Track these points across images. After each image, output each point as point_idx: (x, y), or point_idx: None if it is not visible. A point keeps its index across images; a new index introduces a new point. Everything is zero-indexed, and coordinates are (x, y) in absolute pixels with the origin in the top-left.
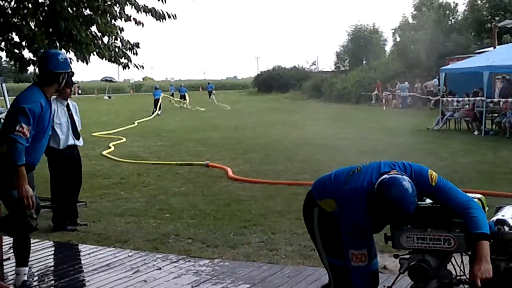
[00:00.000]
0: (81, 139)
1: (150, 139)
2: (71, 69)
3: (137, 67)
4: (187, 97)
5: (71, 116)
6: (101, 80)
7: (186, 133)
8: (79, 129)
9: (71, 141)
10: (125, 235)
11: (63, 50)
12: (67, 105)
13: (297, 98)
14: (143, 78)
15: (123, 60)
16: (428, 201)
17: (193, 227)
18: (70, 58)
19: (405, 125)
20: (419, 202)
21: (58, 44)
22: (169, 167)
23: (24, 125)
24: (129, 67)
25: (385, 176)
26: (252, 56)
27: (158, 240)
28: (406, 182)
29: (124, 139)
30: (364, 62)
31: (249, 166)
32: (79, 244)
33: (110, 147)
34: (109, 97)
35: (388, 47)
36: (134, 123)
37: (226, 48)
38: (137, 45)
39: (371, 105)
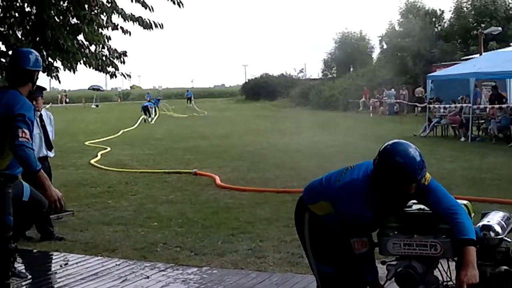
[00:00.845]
0: (53, 150)
1: (138, 147)
2: (42, 68)
3: (124, 76)
4: (157, 110)
5: (43, 127)
6: (89, 88)
7: (174, 141)
8: (52, 140)
9: (43, 152)
10: (113, 243)
11: (49, 59)
12: (40, 116)
13: (285, 106)
14: (130, 87)
15: (110, 69)
16: (415, 207)
17: (181, 235)
18: (57, 67)
19: (393, 132)
20: (406, 209)
21: (45, 53)
22: (157, 176)
23: (25, 130)
24: (116, 76)
25: (387, 143)
26: (239, 64)
27: (146, 249)
28: (412, 148)
29: (109, 148)
30: (351, 69)
31: (237, 174)
32: (67, 253)
33: (97, 156)
34: (97, 105)
35: (375, 54)
36: (118, 132)
37: (214, 56)
38: (124, 53)
39: (359, 112)
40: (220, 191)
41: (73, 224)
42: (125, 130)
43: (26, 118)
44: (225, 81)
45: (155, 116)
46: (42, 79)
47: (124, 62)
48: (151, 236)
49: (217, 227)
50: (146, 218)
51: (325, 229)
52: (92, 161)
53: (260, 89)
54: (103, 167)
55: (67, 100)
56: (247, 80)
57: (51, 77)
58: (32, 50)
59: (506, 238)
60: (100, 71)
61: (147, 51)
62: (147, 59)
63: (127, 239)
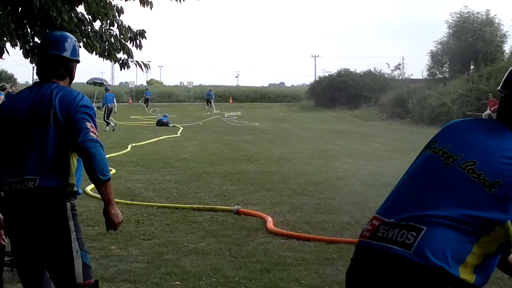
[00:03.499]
0: None
1: (155, 170)
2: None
3: (140, 65)
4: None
5: None
6: (88, 83)
7: (207, 164)
8: None
9: None
10: None
11: (35, 38)
12: None
13: (372, 118)
14: (147, 82)
15: (120, 55)
16: None
17: None
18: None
19: None
20: None
21: (29, 30)
22: (182, 213)
23: (93, 124)
24: (129, 66)
25: None
26: (307, 54)
27: None
28: None
29: (113, 170)
30: (471, 67)
31: (299, 215)
32: None
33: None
34: (98, 107)
35: (508, 46)
36: (127, 148)
37: (270, 43)
38: (141, 33)
39: None
40: (273, 239)
41: None
42: (136, 144)
43: (92, 112)
44: (286, 78)
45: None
46: (24, 69)
47: (140, 47)
48: None
49: None
50: (164, 274)
51: None
52: (88, 189)
53: (336, 92)
54: None
55: None
56: (317, 78)
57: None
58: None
59: None
60: (107, 58)
61: (174, 33)
62: (172, 44)
63: None
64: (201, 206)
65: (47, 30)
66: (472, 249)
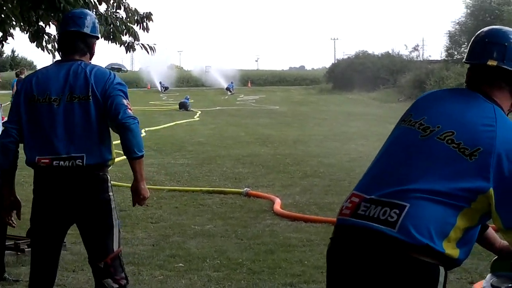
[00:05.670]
0: None
1: (168, 154)
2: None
3: (146, 48)
4: None
5: None
6: (106, 68)
7: (222, 147)
8: None
9: None
10: None
11: (40, 22)
12: None
13: (391, 100)
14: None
15: (126, 38)
16: None
17: (217, 282)
18: (51, 35)
19: None
20: None
21: (34, 14)
22: (192, 196)
23: (128, 101)
24: (134, 49)
25: None
26: (327, 37)
27: None
28: None
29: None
30: None
31: (309, 196)
32: None
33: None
34: None
35: None
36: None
37: (288, 28)
38: (148, 16)
39: None
40: (280, 220)
41: (63, 261)
42: (151, 129)
43: (125, 89)
44: (306, 62)
45: None
46: (32, 52)
47: (147, 29)
48: (172, 283)
49: (271, 272)
50: (169, 256)
51: None
52: None
53: (354, 74)
54: (114, 182)
55: None
56: (335, 61)
57: (43, 50)
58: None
59: None
60: (112, 41)
61: (192, 16)
62: (191, 27)
63: (137, 285)
64: (211, 188)
65: (51, 14)
66: (455, 223)
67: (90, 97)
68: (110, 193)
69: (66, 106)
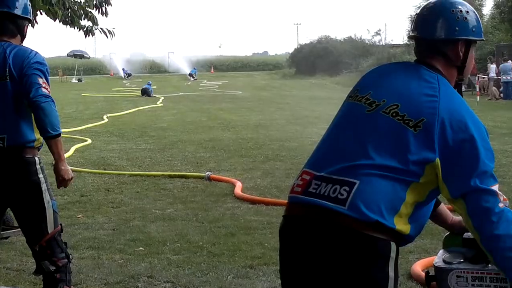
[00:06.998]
0: None
1: (130, 140)
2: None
3: (105, 33)
4: None
5: None
6: (68, 55)
7: (184, 132)
8: None
9: None
10: (76, 276)
11: None
12: None
13: (352, 84)
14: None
15: (84, 22)
16: None
17: (177, 266)
18: None
19: (507, 124)
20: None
21: None
22: (153, 181)
23: (45, 80)
24: (93, 33)
25: None
26: (289, 23)
27: (123, 284)
28: None
29: (89, 141)
30: None
31: (270, 180)
32: None
33: (69, 151)
34: (79, 80)
35: (486, 9)
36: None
37: (251, 14)
38: (106, 1)
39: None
40: (241, 204)
41: (23, 247)
42: (113, 115)
43: (44, 68)
44: (269, 47)
45: None
46: None
47: (105, 14)
48: (132, 266)
49: (231, 255)
50: (129, 240)
51: None
52: None
53: (316, 59)
54: (75, 168)
55: None
56: (298, 46)
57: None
58: None
59: None
60: (70, 26)
61: (156, 2)
62: (155, 17)
63: (97, 270)
64: (172, 173)
65: None
66: (405, 198)
67: (8, 78)
68: (40, 175)
69: None
